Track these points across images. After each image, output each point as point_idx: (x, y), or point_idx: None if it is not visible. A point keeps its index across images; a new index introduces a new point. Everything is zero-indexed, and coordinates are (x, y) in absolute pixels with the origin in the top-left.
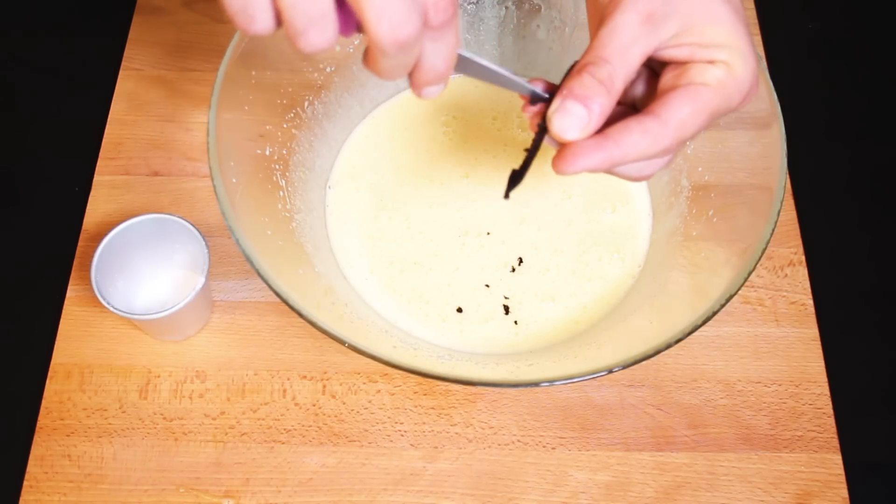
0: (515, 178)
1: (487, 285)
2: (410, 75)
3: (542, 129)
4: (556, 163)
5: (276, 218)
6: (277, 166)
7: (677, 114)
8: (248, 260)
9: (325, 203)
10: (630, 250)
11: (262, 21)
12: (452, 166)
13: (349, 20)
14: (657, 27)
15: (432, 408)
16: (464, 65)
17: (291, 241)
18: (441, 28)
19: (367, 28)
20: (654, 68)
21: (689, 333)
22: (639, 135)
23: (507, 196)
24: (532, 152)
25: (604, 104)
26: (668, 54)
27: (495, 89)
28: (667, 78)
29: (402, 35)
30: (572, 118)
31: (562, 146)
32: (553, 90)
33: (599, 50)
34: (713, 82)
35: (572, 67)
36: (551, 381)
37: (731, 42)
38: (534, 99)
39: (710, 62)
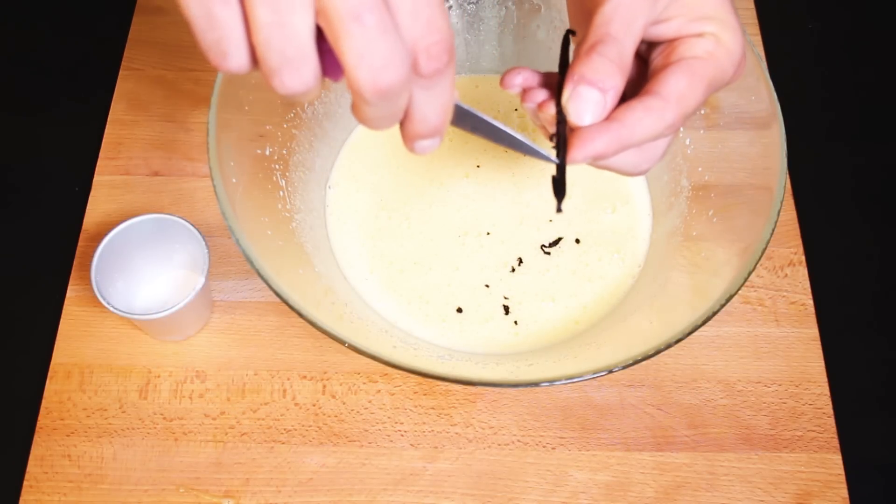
0: (559, 186)
1: (487, 285)
2: (401, 127)
3: (563, 121)
4: (569, 152)
5: (276, 218)
6: (277, 166)
7: (675, 88)
8: (248, 260)
9: (325, 203)
10: (630, 250)
11: (236, 58)
12: (452, 166)
13: (339, 64)
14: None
15: (432, 408)
16: (462, 117)
17: (291, 241)
18: (433, 77)
19: (346, 72)
20: (639, 52)
21: (689, 333)
22: (642, 112)
23: (559, 210)
24: (562, 155)
25: (617, 84)
26: (658, 31)
27: (496, 89)
28: (657, 58)
29: (383, 82)
30: (588, 103)
31: (573, 135)
32: (551, 83)
33: (605, 27)
34: (703, 54)
35: (566, 38)
36: (551, 381)
37: (717, 14)
38: (534, 147)
39: (699, 35)
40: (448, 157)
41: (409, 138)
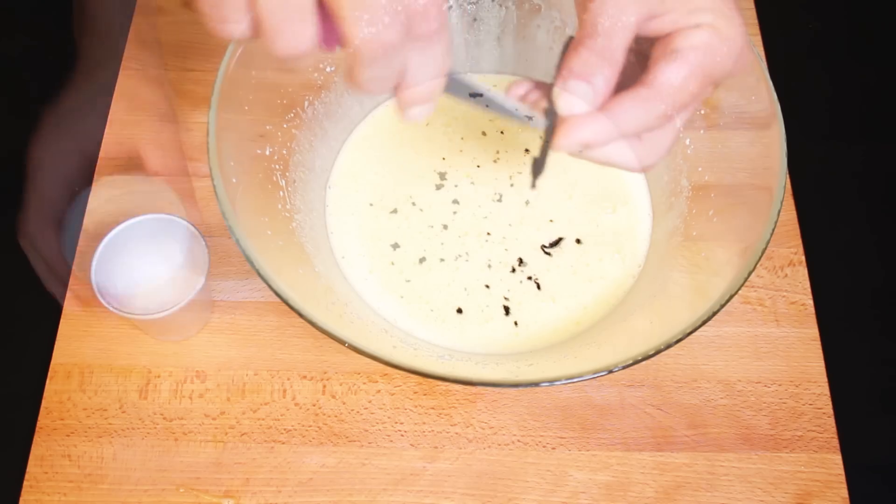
0: (538, 166)
1: (487, 285)
2: (395, 93)
3: (552, 112)
4: (554, 139)
5: (276, 218)
6: (277, 166)
7: (667, 78)
8: (248, 260)
9: (325, 203)
10: (630, 250)
11: (235, 22)
12: (452, 167)
13: (333, 32)
14: None
15: (432, 408)
16: (456, 87)
17: (291, 241)
18: (427, 38)
19: (342, 31)
20: (642, 51)
21: (689, 333)
22: (630, 102)
23: (533, 186)
24: (547, 140)
25: (606, 76)
26: (655, 26)
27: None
28: (655, 52)
29: (380, 41)
30: (576, 95)
31: (560, 123)
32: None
33: (594, 22)
34: (700, 44)
35: (567, 45)
36: (551, 381)
37: (714, 5)
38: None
39: (696, 27)
40: (448, 158)
41: (402, 104)
